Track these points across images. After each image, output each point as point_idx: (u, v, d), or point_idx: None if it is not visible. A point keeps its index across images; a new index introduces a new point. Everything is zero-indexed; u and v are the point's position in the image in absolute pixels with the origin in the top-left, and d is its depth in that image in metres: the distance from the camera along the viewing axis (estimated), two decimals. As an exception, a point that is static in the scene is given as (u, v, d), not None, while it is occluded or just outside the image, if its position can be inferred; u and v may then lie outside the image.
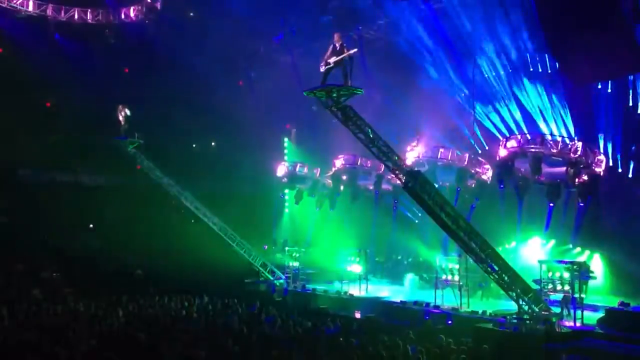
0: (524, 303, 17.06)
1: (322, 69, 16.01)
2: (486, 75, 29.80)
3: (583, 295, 18.71)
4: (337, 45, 15.93)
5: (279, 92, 33.09)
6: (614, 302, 19.87)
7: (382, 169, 28.82)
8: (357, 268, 26.47)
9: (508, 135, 27.18)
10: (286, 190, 36.78)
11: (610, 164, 25.64)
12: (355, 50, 16.12)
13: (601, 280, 23.33)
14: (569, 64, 24.23)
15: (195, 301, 22.01)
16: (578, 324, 18.11)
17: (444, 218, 17.31)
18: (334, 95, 16.30)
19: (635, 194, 25.13)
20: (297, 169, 33.19)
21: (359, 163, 30.97)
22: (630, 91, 25.38)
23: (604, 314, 18.38)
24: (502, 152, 24.36)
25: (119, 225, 32.06)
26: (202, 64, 32.14)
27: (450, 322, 19.86)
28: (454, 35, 28.85)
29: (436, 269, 23.82)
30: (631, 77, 25.07)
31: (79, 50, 35.17)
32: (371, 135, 17.12)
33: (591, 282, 20.04)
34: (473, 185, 28.46)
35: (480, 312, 20.39)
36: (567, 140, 23.98)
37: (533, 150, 23.68)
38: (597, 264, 24.21)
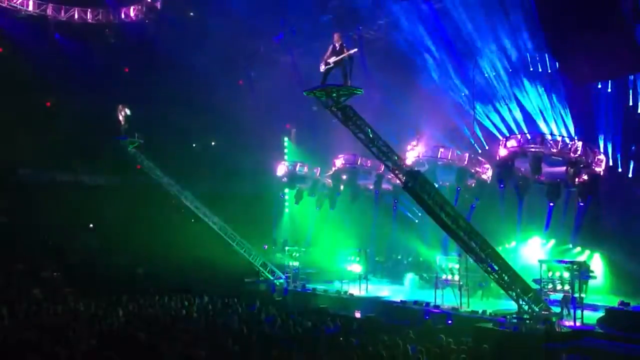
0: (524, 303, 17.06)
1: (322, 69, 16.01)
2: (486, 75, 29.79)
3: (583, 295, 18.70)
4: (336, 45, 15.92)
5: (279, 91, 33.10)
6: (614, 301, 19.88)
7: (382, 169, 28.82)
8: (357, 268, 26.49)
9: (508, 134, 27.19)
10: (286, 190, 36.82)
11: (610, 163, 25.63)
12: (355, 50, 16.12)
13: (601, 280, 23.33)
14: (569, 63, 24.23)
15: (195, 301, 22.02)
16: (578, 323, 18.11)
17: (444, 218, 17.31)
18: (334, 95, 16.30)
19: (635, 193, 25.13)
20: (297, 169, 33.20)
21: (359, 163, 30.98)
22: (631, 91, 25.36)
23: (604, 314, 18.38)
24: (502, 152, 24.36)
25: (119, 225, 32.07)
26: (202, 63, 32.13)
27: (450, 321, 19.86)
28: (454, 35, 28.82)
29: (436, 269, 23.83)
30: (631, 77, 25.04)
31: (79, 50, 35.18)
32: (371, 135, 17.12)
33: (591, 282, 20.03)
34: (473, 185, 28.46)
35: (480, 311, 20.39)
36: (567, 140, 23.97)
37: (533, 149, 23.67)
38: (597, 263, 24.22)
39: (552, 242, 25.80)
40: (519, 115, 28.94)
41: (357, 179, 31.86)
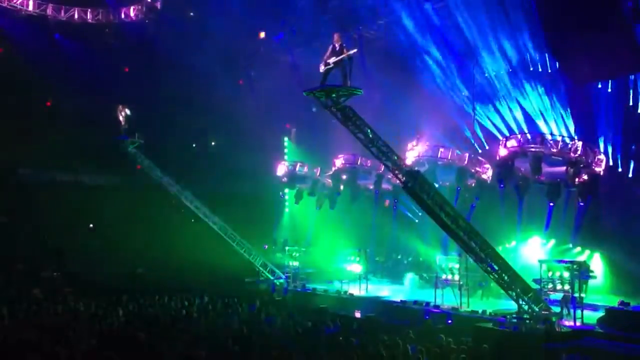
0: (523, 302, 17.06)
1: (322, 70, 16.01)
2: (486, 75, 29.78)
3: (583, 295, 18.69)
4: (336, 45, 15.91)
5: (279, 91, 33.08)
6: (614, 301, 19.86)
7: (382, 169, 28.81)
8: (357, 267, 26.49)
9: (508, 134, 27.20)
10: (286, 190, 36.83)
11: (611, 163, 25.61)
12: (355, 50, 16.11)
13: (601, 280, 23.33)
14: (569, 63, 24.26)
15: (196, 301, 22.02)
16: (578, 323, 18.11)
17: (444, 218, 17.31)
18: (334, 95, 16.30)
19: (635, 193, 25.11)
20: (297, 169, 33.19)
21: (359, 162, 30.99)
22: (631, 91, 25.32)
23: (604, 314, 18.37)
24: (502, 152, 24.35)
25: (119, 225, 32.07)
26: (202, 63, 32.12)
27: (450, 321, 19.85)
28: (454, 34, 28.82)
29: (436, 269, 23.83)
30: (632, 77, 25.02)
31: (79, 50, 35.18)
32: (371, 135, 17.12)
33: (591, 282, 20.00)
34: (473, 185, 28.47)
35: (480, 311, 20.39)
36: (567, 140, 23.96)
37: (533, 149, 23.67)
38: (597, 263, 24.22)
39: (552, 242, 25.80)
40: (519, 115, 28.94)
41: (357, 178, 31.87)
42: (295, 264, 29.58)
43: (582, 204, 24.47)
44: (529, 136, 24.72)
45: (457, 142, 29.57)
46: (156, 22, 34.94)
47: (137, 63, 34.78)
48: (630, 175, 25.66)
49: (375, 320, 20.55)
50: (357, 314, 22.49)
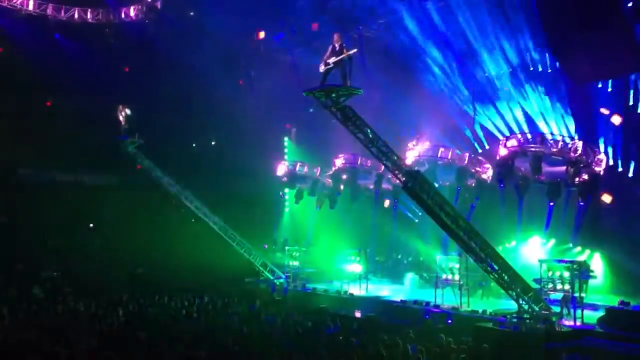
0: (524, 302, 17.07)
1: (322, 69, 16.00)
2: (486, 75, 29.76)
3: (583, 295, 18.69)
4: (336, 45, 15.90)
5: (279, 91, 33.07)
6: (614, 301, 19.85)
7: (382, 169, 28.81)
8: (357, 267, 26.49)
9: (508, 134, 27.19)
10: (286, 190, 36.80)
11: (611, 163, 25.61)
12: (355, 50, 16.11)
13: (601, 280, 23.34)
14: (569, 63, 24.21)
15: (196, 301, 22.02)
16: (578, 323, 18.11)
17: (444, 218, 17.31)
18: (333, 95, 16.30)
19: (635, 193, 25.11)
20: (297, 169, 33.19)
21: (359, 162, 31.00)
22: (631, 90, 25.32)
23: (604, 313, 18.36)
24: (502, 152, 24.36)
25: (119, 225, 32.07)
26: (202, 63, 32.09)
27: (450, 321, 19.84)
28: (455, 34, 28.80)
29: (436, 268, 23.83)
30: (632, 77, 25.01)
31: (79, 49, 35.19)
32: (370, 136, 17.11)
33: (591, 281, 20.00)
34: (473, 185, 28.47)
35: (480, 311, 20.40)
36: (567, 140, 23.97)
37: (533, 149, 23.68)
38: (597, 263, 24.22)
39: (552, 241, 25.81)
40: (519, 114, 28.92)
41: (357, 178, 31.88)
42: (295, 263, 29.58)
43: (582, 203, 24.46)
44: (529, 136, 24.75)
45: (457, 142, 29.59)
46: (156, 22, 34.93)
47: (137, 63, 34.79)
48: (630, 174, 25.65)
49: (376, 320, 20.56)
50: (357, 314, 22.48)
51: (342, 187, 32.78)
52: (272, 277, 29.58)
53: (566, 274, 18.95)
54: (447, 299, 22.40)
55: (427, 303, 22.19)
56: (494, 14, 27.09)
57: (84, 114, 32.70)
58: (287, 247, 31.20)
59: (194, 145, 39.19)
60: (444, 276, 23.12)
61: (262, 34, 34.68)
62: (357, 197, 32.63)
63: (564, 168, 23.58)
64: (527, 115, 28.61)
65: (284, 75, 32.94)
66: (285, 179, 33.81)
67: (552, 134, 25.63)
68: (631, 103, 25.34)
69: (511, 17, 26.77)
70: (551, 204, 25.11)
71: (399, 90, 30.88)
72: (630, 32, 21.47)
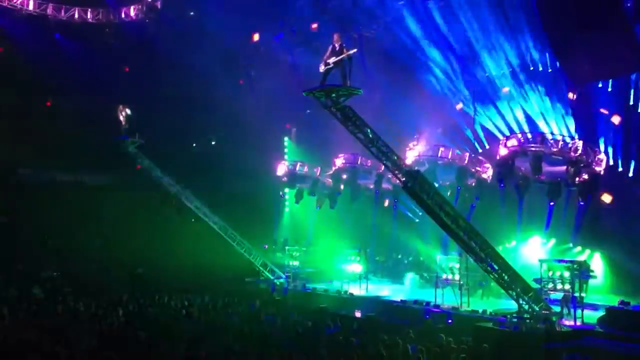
0: (524, 302, 17.07)
1: (322, 70, 15.99)
2: (487, 74, 29.75)
3: (583, 294, 18.69)
4: (336, 45, 15.89)
5: (279, 91, 33.06)
6: (614, 301, 19.83)
7: (382, 168, 28.81)
8: (357, 267, 26.48)
9: (508, 134, 27.18)
10: (286, 190, 36.79)
11: (611, 163, 25.61)
12: (355, 50, 16.09)
13: (601, 279, 23.34)
14: (569, 62, 24.18)
15: (196, 300, 22.01)
16: (578, 322, 18.10)
17: (444, 217, 17.31)
18: (333, 95, 16.29)
19: (635, 193, 25.10)
20: (297, 168, 33.19)
21: (359, 162, 31.00)
22: (632, 90, 25.31)
23: (604, 313, 18.35)
24: (503, 151, 24.35)
25: (119, 225, 32.07)
26: (202, 63, 32.10)
27: (450, 321, 19.82)
28: (455, 34, 28.80)
29: (436, 268, 23.82)
30: (633, 76, 25.00)
31: (79, 49, 35.21)
32: (370, 136, 17.11)
33: (591, 281, 19.99)
34: (473, 184, 28.45)
35: (480, 311, 20.38)
36: (568, 139, 23.97)
37: (533, 149, 23.68)
38: (598, 262, 24.22)
39: (553, 241, 25.81)
40: (519, 114, 28.91)
41: (357, 178, 31.89)
42: (296, 263, 29.60)
43: (582, 203, 24.45)
44: (529, 135, 24.75)
45: (457, 142, 29.58)
46: (156, 22, 34.95)
47: (137, 63, 34.80)
48: (630, 174, 25.64)
49: (376, 320, 20.54)
50: (358, 314, 22.46)
51: (342, 186, 32.78)
52: (272, 277, 29.58)
53: (566, 274, 18.94)
54: (447, 298, 22.39)
55: (427, 303, 22.18)
56: (494, 14, 27.08)
57: (84, 114, 32.70)
58: (287, 247, 31.22)
59: (194, 145, 39.20)
60: (444, 276, 23.13)
61: (256, 36, 34.63)
62: (357, 197, 32.63)
63: (564, 168, 23.58)
64: (527, 115, 28.60)
65: (284, 75, 32.94)
66: (285, 178, 33.83)
67: (552, 133, 25.64)
68: (631, 103, 25.34)
69: (511, 17, 26.78)
70: (551, 203, 25.13)
71: (399, 90, 30.87)
72: (630, 31, 21.46)
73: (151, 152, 29.98)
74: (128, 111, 28.74)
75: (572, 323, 18.06)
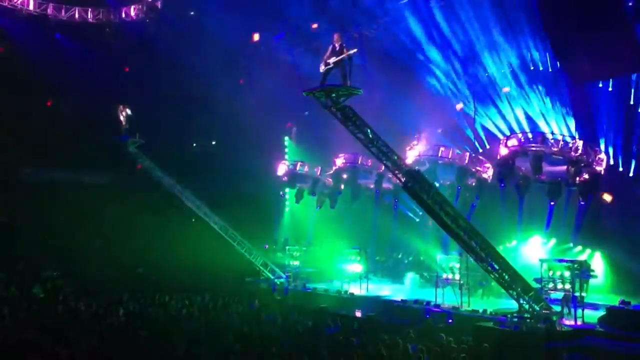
0: (524, 302, 17.07)
1: (322, 69, 15.98)
2: (487, 74, 29.74)
3: (584, 294, 18.71)
4: (336, 45, 15.88)
5: (279, 91, 33.06)
6: (615, 300, 19.82)
7: (383, 168, 28.80)
8: (357, 267, 26.48)
9: (509, 134, 27.17)
10: (287, 189, 36.78)
11: (611, 162, 25.60)
12: (355, 50, 16.08)
13: (602, 279, 23.34)
14: (570, 62, 24.19)
15: (196, 300, 22.00)
16: (579, 322, 18.10)
17: (444, 217, 17.30)
18: (333, 95, 16.27)
19: (635, 193, 25.10)
20: (298, 168, 33.15)
21: (359, 162, 30.96)
22: (632, 90, 25.29)
23: (604, 313, 18.35)
24: (503, 151, 24.33)
25: (119, 225, 32.05)
26: (202, 62, 32.10)
27: (450, 320, 19.83)
28: (456, 33, 28.79)
29: (437, 268, 23.81)
30: (634, 76, 24.99)
31: (79, 49, 35.23)
32: (370, 135, 17.09)
33: (592, 281, 20.02)
34: (473, 184, 28.40)
35: (480, 310, 20.37)
36: (568, 139, 23.95)
37: (534, 149, 23.66)
38: (598, 262, 24.20)
39: (553, 241, 25.77)
40: (520, 114, 28.91)
41: (357, 178, 31.85)
42: (296, 263, 29.59)
43: (582, 203, 24.44)
44: (529, 135, 24.72)
45: (457, 142, 29.58)
46: (157, 22, 34.97)
47: (137, 62, 34.80)
48: (631, 174, 25.64)
49: (376, 320, 20.56)
50: (358, 314, 22.47)
51: (342, 186, 32.73)
52: (272, 277, 29.54)
53: (567, 274, 18.96)
54: (447, 298, 22.38)
55: (428, 302, 22.17)
56: (494, 14, 27.07)
57: (84, 114, 32.70)
58: (287, 247, 31.21)
59: (194, 144, 39.18)
60: (444, 276, 23.14)
61: (256, 36, 34.63)
62: (357, 197, 32.61)
63: (564, 167, 23.57)
64: (527, 115, 28.60)
65: (284, 75, 32.92)
66: (285, 178, 33.80)
67: (552, 133, 25.63)
68: (632, 103, 25.33)
69: (512, 16, 26.76)
70: (552, 203, 25.12)
71: (400, 89, 30.85)
72: (630, 31, 21.48)
73: (152, 152, 29.95)
74: (128, 111, 28.69)
75: (572, 323, 18.05)
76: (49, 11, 34.65)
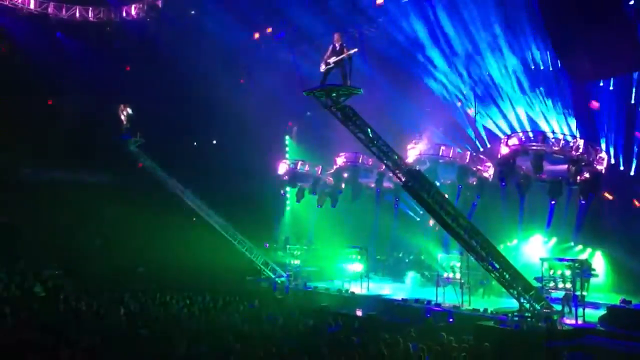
0: (525, 301, 17.06)
1: (322, 69, 15.96)
2: (487, 73, 29.72)
3: (584, 293, 18.74)
4: (337, 45, 15.85)
5: (280, 90, 33.06)
6: (616, 299, 19.84)
7: (384, 167, 28.78)
8: (358, 266, 26.48)
9: (510, 133, 27.15)
10: (287, 188, 36.72)
11: (612, 161, 25.59)
12: (355, 50, 16.04)
13: (603, 278, 23.33)
14: (571, 61, 24.19)
15: (197, 299, 22.01)
16: (579, 321, 18.11)
17: (444, 216, 17.29)
18: (333, 95, 16.23)
19: (636, 191, 25.09)
20: (299, 167, 33.14)
21: (360, 161, 30.95)
22: (633, 89, 25.27)
23: (605, 312, 18.37)
24: (504, 150, 24.32)
25: (120, 224, 32.06)
26: (203, 62, 32.10)
27: (451, 319, 19.86)
28: (456, 32, 28.77)
29: (437, 267, 23.81)
30: (635, 75, 24.96)
31: (80, 48, 35.24)
32: (371, 135, 17.05)
33: (593, 280, 20.04)
34: (474, 183, 28.39)
35: (481, 309, 20.41)
36: (569, 138, 23.94)
37: (535, 148, 23.63)
38: (599, 261, 24.20)
39: (554, 240, 25.76)
40: (521, 113, 28.89)
41: (358, 177, 31.84)
42: (297, 262, 29.63)
43: (583, 202, 24.43)
44: (530, 134, 24.68)
45: (458, 141, 29.57)
46: (157, 21, 34.98)
47: (138, 62, 34.81)
48: (632, 173, 25.62)
49: (377, 319, 20.58)
50: (359, 313, 22.48)
51: (343, 185, 32.72)
52: (273, 276, 29.57)
53: (567, 273, 18.99)
54: (448, 297, 22.37)
55: (429, 302, 22.19)
56: (495, 13, 27.04)
57: (84, 114, 32.70)
58: (288, 246, 31.22)
59: (195, 144, 39.18)
60: (445, 275, 23.15)
61: (256, 35, 34.63)
62: (358, 196, 32.59)
63: (565, 166, 23.54)
64: (528, 114, 28.58)
65: (285, 74, 32.94)
66: (286, 177, 33.77)
67: (553, 132, 25.63)
68: (633, 101, 25.30)
69: (513, 15, 26.74)
70: (552, 202, 25.13)
71: (400, 89, 30.83)
72: (631, 30, 21.46)
73: (152, 151, 29.97)
74: (129, 110, 28.73)
75: (573, 322, 18.05)
76: (50, 10, 34.66)
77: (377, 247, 31.98)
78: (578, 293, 18.48)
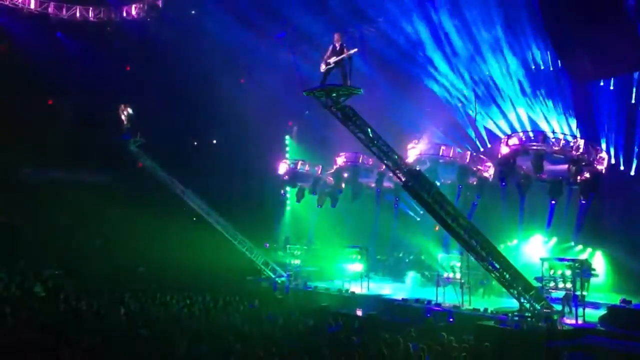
0: (525, 301, 17.05)
1: (322, 69, 15.96)
2: (488, 73, 29.71)
3: (585, 293, 18.73)
4: (337, 45, 15.84)
5: (280, 90, 33.05)
6: (616, 299, 19.83)
7: (384, 167, 28.78)
8: (358, 266, 26.47)
9: (510, 132, 27.14)
10: (288, 188, 36.72)
11: (612, 161, 25.58)
12: (356, 50, 16.02)
13: (603, 278, 23.32)
14: (571, 61, 24.18)
15: (197, 299, 22.01)
16: (580, 321, 18.10)
17: (444, 216, 17.28)
18: (334, 95, 16.23)
19: (636, 191, 25.07)
20: (299, 167, 33.13)
21: (360, 160, 30.97)
22: (634, 89, 25.25)
23: (605, 312, 18.36)
24: (504, 150, 24.32)
25: (120, 224, 32.05)
26: (203, 62, 32.08)
27: (451, 319, 19.85)
28: (457, 32, 28.76)
29: (438, 267, 23.80)
30: (635, 75, 24.95)
31: (80, 48, 35.23)
32: (371, 135, 17.03)
33: (593, 280, 20.04)
34: (474, 183, 28.40)
35: (481, 309, 20.39)
36: (569, 138, 23.95)
37: (535, 147, 23.63)
38: (599, 261, 24.18)
39: (554, 240, 25.76)
40: (521, 113, 28.88)
41: (358, 176, 31.84)
42: (297, 262, 29.61)
43: (584, 202, 24.43)
44: (530, 134, 24.67)
45: (458, 140, 29.57)
46: (158, 21, 34.96)
47: (138, 62, 34.79)
48: (632, 173, 25.61)
49: (377, 319, 20.58)
50: (359, 312, 22.48)
51: (343, 185, 32.71)
52: (273, 276, 29.57)
53: (568, 273, 18.98)
54: (448, 297, 22.36)
55: (429, 301, 22.18)
56: (496, 12, 27.04)
57: (85, 114, 32.68)
58: (288, 246, 31.21)
59: (195, 143, 39.18)
60: (445, 274, 23.15)
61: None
62: (358, 196, 32.60)
63: (565, 166, 23.56)
64: (528, 114, 28.57)
65: (285, 74, 32.93)
66: (286, 177, 33.76)
67: (553, 132, 25.63)
68: (633, 101, 25.29)
69: (513, 15, 26.73)
70: (553, 202, 25.14)
71: (400, 89, 30.84)
72: (632, 30, 21.45)
73: (153, 151, 29.96)
74: (129, 110, 28.72)
75: (573, 322, 18.04)
76: (50, 10, 34.65)
77: (377, 247, 31.97)
78: (578, 293, 18.47)
